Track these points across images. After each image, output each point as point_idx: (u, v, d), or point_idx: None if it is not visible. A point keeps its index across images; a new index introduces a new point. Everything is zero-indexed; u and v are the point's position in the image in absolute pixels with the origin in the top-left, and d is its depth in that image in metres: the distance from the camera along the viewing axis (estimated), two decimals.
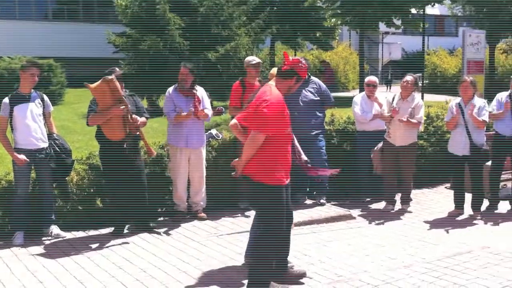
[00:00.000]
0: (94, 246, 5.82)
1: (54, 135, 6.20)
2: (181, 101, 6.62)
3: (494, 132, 7.41)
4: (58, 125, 8.69)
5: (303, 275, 4.90)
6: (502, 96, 7.46)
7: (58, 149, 6.08)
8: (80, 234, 6.22)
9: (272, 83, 4.64)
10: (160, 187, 6.67)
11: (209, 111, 6.78)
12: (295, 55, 25.63)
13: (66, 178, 6.23)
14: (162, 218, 6.73)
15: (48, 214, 6.12)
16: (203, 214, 6.77)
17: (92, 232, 6.27)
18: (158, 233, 6.21)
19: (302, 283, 4.81)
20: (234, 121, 4.71)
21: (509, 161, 7.71)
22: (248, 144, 4.46)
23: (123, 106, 5.85)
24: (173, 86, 6.75)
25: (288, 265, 4.92)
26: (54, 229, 6.12)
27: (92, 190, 6.37)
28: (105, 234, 6.20)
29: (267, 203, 4.55)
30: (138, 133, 6.06)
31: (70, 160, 6.20)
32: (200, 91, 6.80)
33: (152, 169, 6.70)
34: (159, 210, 6.82)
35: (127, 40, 16.74)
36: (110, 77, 5.79)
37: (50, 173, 6.04)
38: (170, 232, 6.27)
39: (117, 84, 5.84)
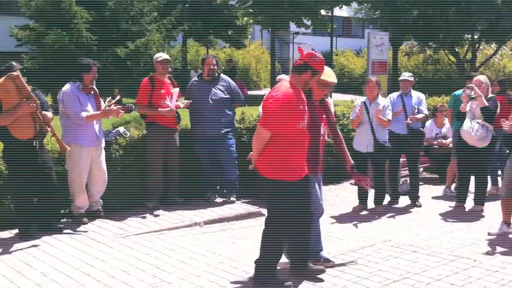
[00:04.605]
0: None
1: None
2: (84, 99, 6.38)
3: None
4: None
5: (321, 271, 4.88)
6: (394, 96, 7.82)
7: None
8: None
9: (288, 79, 4.62)
10: (63, 187, 6.38)
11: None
12: (207, 52, 25.56)
13: None
14: (65, 220, 6.45)
15: None
16: (103, 213, 6.61)
17: None
18: (65, 232, 5.99)
19: (321, 280, 4.79)
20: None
21: (404, 158, 8.11)
22: (254, 140, 4.56)
23: (32, 103, 5.59)
24: (75, 84, 6.37)
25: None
26: None
27: None
28: (4, 238, 5.86)
29: (276, 198, 4.62)
30: (49, 129, 5.80)
31: None
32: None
33: (55, 168, 6.40)
34: (62, 211, 6.53)
35: (30, 34, 16.02)
36: (15, 73, 5.52)
37: None
38: (73, 233, 6.03)
39: (23, 80, 5.56)
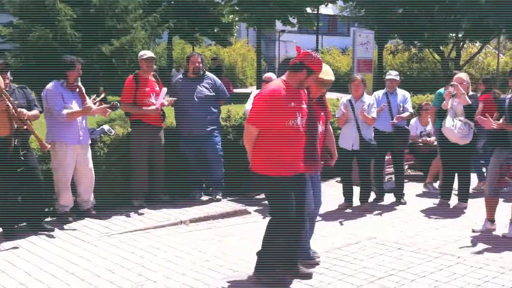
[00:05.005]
0: None
1: None
2: (69, 96, 6.33)
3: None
4: None
5: (309, 275, 4.81)
6: (379, 94, 7.87)
7: None
8: None
9: (283, 77, 4.61)
10: (47, 185, 6.32)
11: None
12: (193, 50, 25.48)
13: None
14: (49, 219, 6.39)
15: None
16: (94, 212, 6.55)
17: None
18: (51, 230, 5.94)
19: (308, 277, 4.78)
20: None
21: (389, 155, 8.16)
22: (244, 136, 4.64)
23: (4, 100, 5.49)
24: (59, 81, 6.32)
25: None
26: None
27: None
28: None
29: (270, 194, 4.69)
30: (25, 127, 5.70)
31: None
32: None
33: (40, 167, 6.33)
34: (47, 209, 6.47)
35: (14, 31, 15.88)
36: None
37: None
38: (58, 232, 5.98)
39: None
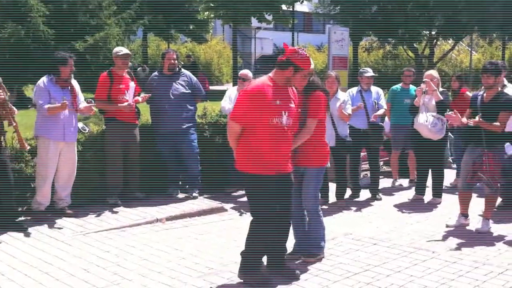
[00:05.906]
0: None
1: None
2: (57, 92, 6.26)
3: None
4: None
5: (296, 276, 4.74)
6: (353, 91, 7.93)
7: None
8: None
9: (270, 74, 4.55)
10: (20, 184, 6.23)
11: (84, 104, 6.58)
12: (168, 47, 25.31)
13: None
14: (23, 218, 6.29)
15: None
16: (70, 211, 6.46)
17: None
18: (24, 229, 5.85)
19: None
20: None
21: (364, 151, 8.24)
22: (227, 134, 4.60)
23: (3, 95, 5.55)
24: (48, 77, 6.30)
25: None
26: None
27: None
28: None
29: (250, 192, 4.62)
30: (14, 124, 5.70)
31: None
32: (75, 83, 6.50)
33: (12, 165, 6.23)
34: (20, 209, 6.36)
35: None
36: None
37: None
38: (32, 232, 5.88)
39: None
